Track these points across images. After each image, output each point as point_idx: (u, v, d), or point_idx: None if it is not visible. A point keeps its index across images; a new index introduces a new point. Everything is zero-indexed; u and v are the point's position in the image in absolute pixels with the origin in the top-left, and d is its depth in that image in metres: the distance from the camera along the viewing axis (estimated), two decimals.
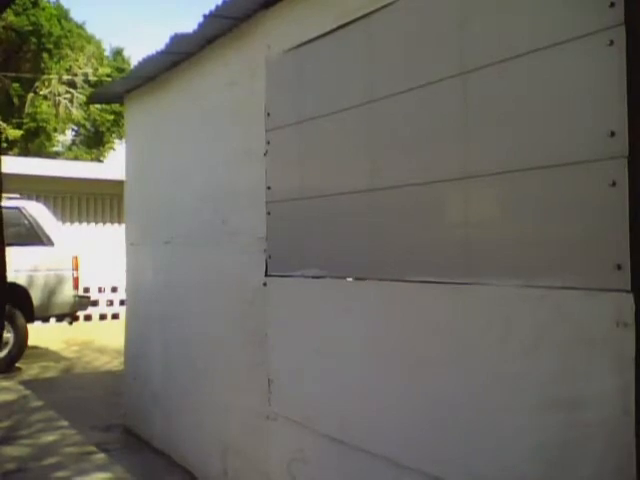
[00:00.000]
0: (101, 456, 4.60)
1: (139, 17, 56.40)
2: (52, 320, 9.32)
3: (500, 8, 2.19)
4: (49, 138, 24.57)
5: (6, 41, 21.81)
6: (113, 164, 15.35)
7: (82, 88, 23.39)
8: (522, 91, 2.11)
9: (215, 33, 3.84)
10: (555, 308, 1.99)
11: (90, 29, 32.88)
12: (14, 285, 7.46)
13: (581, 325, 1.91)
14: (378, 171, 2.71)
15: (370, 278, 2.72)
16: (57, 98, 23.47)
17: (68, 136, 27.17)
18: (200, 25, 3.65)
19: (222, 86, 3.91)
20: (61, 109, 23.67)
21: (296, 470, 3.17)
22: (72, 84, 23.68)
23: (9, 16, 20.20)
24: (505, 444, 2.13)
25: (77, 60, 23.88)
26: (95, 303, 12.40)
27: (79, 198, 13.30)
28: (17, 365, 7.97)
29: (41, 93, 23.37)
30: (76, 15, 26.18)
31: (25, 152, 21.83)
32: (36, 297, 8.13)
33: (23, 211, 8.17)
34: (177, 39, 3.91)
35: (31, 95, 23.12)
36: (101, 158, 25.96)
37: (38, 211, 8.44)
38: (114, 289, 12.92)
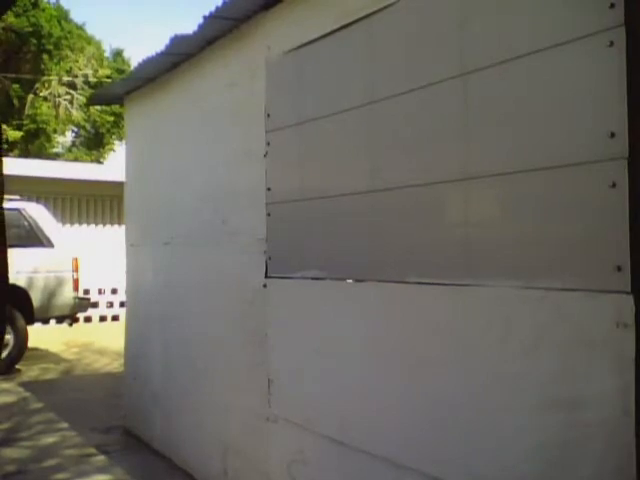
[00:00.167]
0: (101, 458, 4.60)
1: (139, 17, 56.52)
2: (52, 322, 9.31)
3: (500, 9, 2.20)
4: (49, 139, 24.59)
5: (6, 42, 21.83)
6: (113, 165, 15.38)
7: (82, 89, 23.42)
8: (522, 92, 2.12)
9: (215, 34, 3.85)
10: (555, 309, 1.99)
11: (90, 30, 32.87)
12: (14, 287, 7.43)
13: (581, 326, 1.91)
14: (378, 172, 2.71)
15: (370, 279, 2.73)
16: (57, 99, 23.49)
17: (68, 137, 27.20)
18: (200, 26, 3.65)
19: (222, 87, 3.92)
20: (61, 110, 23.69)
21: (296, 471, 3.17)
22: (72, 85, 23.71)
23: (9, 17, 20.22)
24: (505, 444, 2.13)
25: (77, 61, 23.90)
26: (95, 305, 12.40)
27: (79, 199, 13.30)
28: (17, 367, 7.96)
29: (41, 94, 23.38)
30: (76, 16, 26.08)
31: (25, 153, 21.84)
32: (36, 299, 8.13)
33: (23, 212, 8.17)
34: (177, 40, 3.91)
35: (31, 96, 23.14)
36: (101, 159, 25.97)
37: (38, 212, 8.44)
38: (114, 291, 12.92)
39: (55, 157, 24.25)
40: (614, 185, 1.82)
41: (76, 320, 9.59)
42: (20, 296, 7.89)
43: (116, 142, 26.23)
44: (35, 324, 8.57)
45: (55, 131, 24.45)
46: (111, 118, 24.77)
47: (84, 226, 13.33)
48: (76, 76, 23.62)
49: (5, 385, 7.09)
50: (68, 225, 12.77)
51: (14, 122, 22.18)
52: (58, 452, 4.72)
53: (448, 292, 2.35)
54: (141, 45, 52.34)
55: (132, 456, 4.67)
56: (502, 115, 2.19)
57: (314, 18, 3.08)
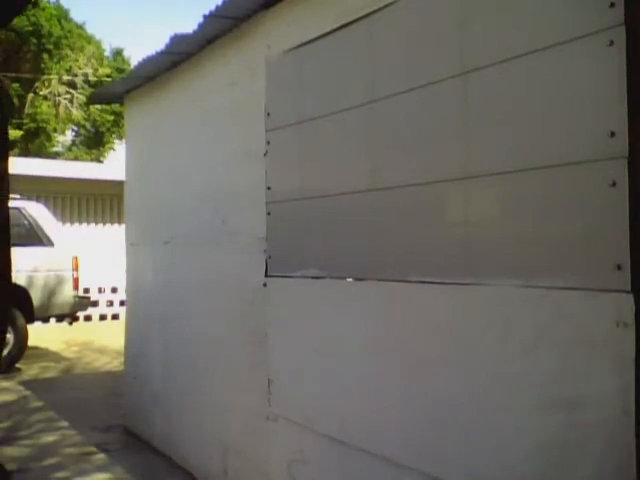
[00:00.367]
0: (101, 456, 4.60)
1: (139, 17, 56.50)
2: (52, 320, 9.32)
3: (500, 8, 2.20)
4: (49, 138, 24.59)
5: (6, 41, 21.81)
6: (113, 164, 15.37)
7: (82, 88, 23.42)
8: (522, 91, 2.11)
9: (215, 33, 3.84)
10: (555, 308, 1.99)
11: (90, 29, 32.91)
12: (14, 285, 7.45)
13: (581, 325, 1.91)
14: (378, 171, 2.71)
15: (370, 278, 2.72)
16: (57, 98, 23.49)
17: (68, 136, 27.21)
18: (200, 25, 3.65)
19: (222, 86, 3.92)
20: (61, 109, 23.69)
21: (296, 470, 3.17)
22: (72, 84, 23.71)
23: None
24: (505, 444, 2.13)
25: (77, 60, 23.90)
26: (95, 304, 12.40)
27: (79, 198, 13.31)
28: (17, 365, 7.97)
29: (41, 93, 23.39)
30: (76, 15, 26.25)
31: (25, 152, 21.84)
32: (36, 297, 8.14)
33: (23, 211, 8.18)
34: (177, 39, 3.91)
35: (31, 95, 23.14)
36: (101, 158, 25.98)
37: (38, 211, 8.45)
38: (114, 289, 12.93)
39: (55, 156, 24.27)
40: (614, 184, 1.82)
41: (76, 319, 9.60)
42: (20, 295, 7.89)
43: (116, 141, 26.24)
44: (35, 323, 8.59)
45: (55, 130, 24.46)
46: (111, 117, 24.77)
47: (84, 225, 13.33)
48: (76, 75, 23.62)
49: (5, 384, 7.09)
50: (68, 224, 12.77)
51: (14, 121, 22.17)
52: (58, 451, 4.72)
53: (448, 291, 2.35)
54: (141, 45, 52.39)
55: (132, 455, 4.68)
56: (502, 114, 2.19)
57: (314, 17, 3.08)
